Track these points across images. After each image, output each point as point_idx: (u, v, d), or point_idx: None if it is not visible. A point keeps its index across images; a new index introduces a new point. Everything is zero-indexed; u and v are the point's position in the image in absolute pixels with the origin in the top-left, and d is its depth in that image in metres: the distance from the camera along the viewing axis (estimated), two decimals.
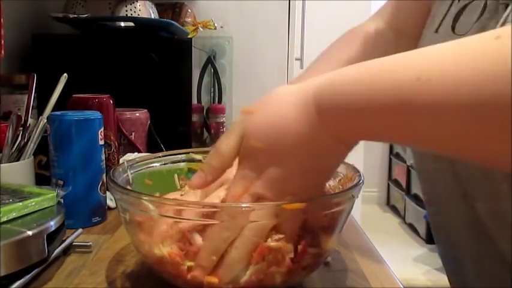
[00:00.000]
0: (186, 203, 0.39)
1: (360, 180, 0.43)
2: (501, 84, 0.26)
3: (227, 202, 0.39)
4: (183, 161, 0.55)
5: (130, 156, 0.76)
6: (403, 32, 0.64)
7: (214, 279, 0.37)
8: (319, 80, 0.37)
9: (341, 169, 0.48)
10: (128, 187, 0.45)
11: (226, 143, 0.40)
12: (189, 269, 0.38)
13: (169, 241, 0.39)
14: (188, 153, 0.55)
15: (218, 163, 0.41)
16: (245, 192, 0.38)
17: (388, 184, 3.39)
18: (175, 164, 0.54)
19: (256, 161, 0.38)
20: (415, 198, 2.72)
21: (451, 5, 0.49)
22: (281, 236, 0.38)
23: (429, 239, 2.45)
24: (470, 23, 0.46)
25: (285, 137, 0.37)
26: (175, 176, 0.54)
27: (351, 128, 0.36)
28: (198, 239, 0.39)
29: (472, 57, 0.28)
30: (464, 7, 0.47)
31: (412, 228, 2.71)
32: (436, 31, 0.51)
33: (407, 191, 2.88)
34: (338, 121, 0.35)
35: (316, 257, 0.41)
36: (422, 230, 2.54)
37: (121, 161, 0.73)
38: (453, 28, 0.48)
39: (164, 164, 0.53)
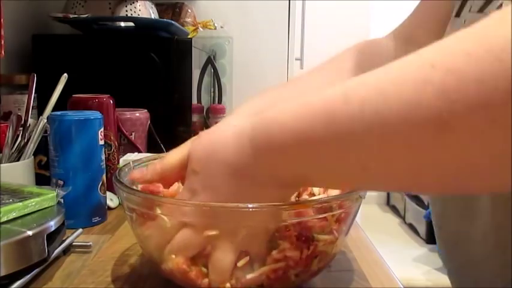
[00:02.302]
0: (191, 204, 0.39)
1: None
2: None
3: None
4: None
5: (130, 156, 0.76)
6: (413, 40, 0.64)
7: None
8: (256, 117, 0.36)
9: None
10: (134, 187, 0.45)
11: (173, 156, 0.42)
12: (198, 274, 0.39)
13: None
14: None
15: (159, 169, 0.43)
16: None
17: None
18: None
19: (192, 184, 0.39)
20: (415, 198, 2.71)
21: None
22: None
23: (429, 239, 2.45)
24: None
25: (220, 165, 0.37)
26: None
27: (286, 163, 0.34)
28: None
29: (401, 87, 0.27)
30: None
31: (412, 228, 2.71)
32: (457, 15, 0.51)
33: None
34: (270, 156, 0.34)
35: (323, 262, 0.41)
36: (422, 230, 2.54)
37: (121, 161, 0.73)
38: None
39: None
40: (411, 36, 0.64)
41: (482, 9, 0.48)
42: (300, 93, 0.41)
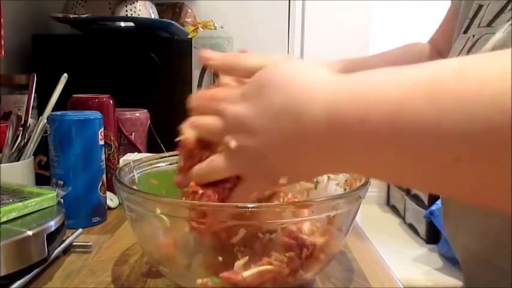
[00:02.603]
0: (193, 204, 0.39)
1: (366, 181, 0.43)
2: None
3: (208, 94, 0.40)
4: None
5: (130, 156, 0.76)
6: (441, 50, 0.70)
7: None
8: (343, 77, 0.33)
9: None
10: (134, 187, 0.45)
11: (253, 59, 0.39)
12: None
13: None
14: None
15: (233, 62, 0.40)
16: (220, 101, 0.38)
17: (388, 184, 3.38)
18: None
19: (249, 90, 0.36)
20: (415, 199, 2.71)
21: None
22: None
23: (429, 239, 2.45)
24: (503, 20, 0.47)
25: (290, 103, 0.33)
26: None
27: (344, 156, 0.32)
28: None
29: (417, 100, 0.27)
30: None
31: (412, 228, 2.71)
32: (465, 32, 0.54)
33: (408, 191, 2.88)
34: (342, 122, 0.31)
35: (322, 261, 0.41)
36: (422, 230, 2.54)
37: (121, 161, 0.73)
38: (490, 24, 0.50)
39: (170, 164, 0.53)
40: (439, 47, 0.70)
41: (490, 24, 0.49)
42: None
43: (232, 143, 0.35)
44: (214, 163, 0.37)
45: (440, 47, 0.70)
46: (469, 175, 0.27)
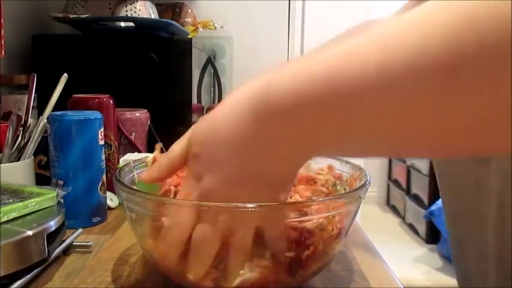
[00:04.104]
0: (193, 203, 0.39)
1: (366, 181, 0.43)
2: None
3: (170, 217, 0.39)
4: None
5: (130, 156, 0.76)
6: None
7: None
8: (254, 81, 0.34)
9: (347, 169, 0.47)
10: (134, 187, 0.45)
11: (176, 147, 0.41)
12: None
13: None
14: None
15: (166, 165, 0.42)
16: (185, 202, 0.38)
17: (388, 184, 3.39)
18: None
19: (195, 169, 0.37)
20: (415, 198, 2.71)
21: None
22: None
23: (429, 239, 2.45)
24: None
25: (220, 144, 0.35)
26: None
27: (290, 130, 0.32)
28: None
29: (405, 34, 0.26)
30: None
31: (412, 228, 2.71)
32: None
33: (407, 191, 2.88)
34: (274, 123, 0.32)
35: (322, 262, 0.41)
36: (422, 230, 2.54)
37: (121, 161, 0.73)
38: None
39: None
40: None
41: None
42: None
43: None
44: (240, 243, 0.37)
45: None
46: (385, 139, 0.29)
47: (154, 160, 0.47)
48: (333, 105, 0.29)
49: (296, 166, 0.36)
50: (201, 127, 0.37)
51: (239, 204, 0.36)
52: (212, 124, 0.36)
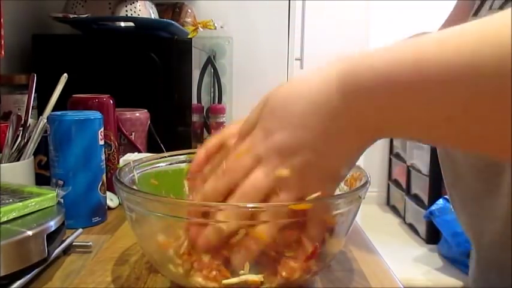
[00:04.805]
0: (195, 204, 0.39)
1: (366, 181, 0.43)
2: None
3: (228, 160, 0.39)
4: (189, 161, 0.55)
5: (130, 156, 0.76)
6: None
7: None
8: (341, 61, 0.35)
9: None
10: (134, 187, 0.45)
11: (254, 110, 0.40)
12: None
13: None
14: (193, 153, 0.55)
15: (245, 127, 0.40)
16: (248, 152, 0.38)
17: (388, 184, 3.38)
18: (181, 164, 0.54)
19: (269, 123, 0.37)
20: (415, 198, 2.71)
21: None
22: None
23: (429, 239, 2.45)
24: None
25: (302, 102, 0.35)
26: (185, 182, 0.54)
27: (371, 105, 0.33)
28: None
29: (501, 37, 0.27)
30: None
31: (412, 228, 2.71)
32: (475, 14, 0.51)
33: (407, 191, 2.88)
34: (356, 96, 0.33)
35: (323, 261, 0.41)
36: (422, 230, 2.54)
37: (121, 161, 0.73)
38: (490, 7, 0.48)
39: (170, 164, 0.53)
40: None
41: (502, 7, 0.47)
42: None
43: (284, 172, 0.36)
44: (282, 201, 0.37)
45: None
46: (461, 131, 0.30)
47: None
48: (417, 91, 0.30)
49: (364, 146, 0.37)
50: (282, 89, 0.38)
51: (240, 204, 0.36)
52: (297, 86, 0.37)
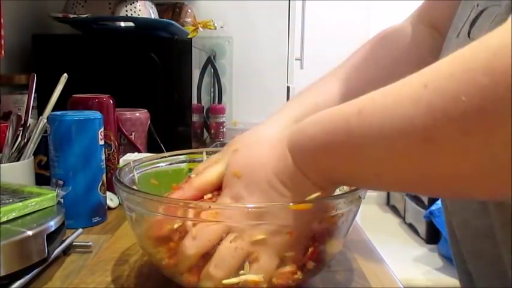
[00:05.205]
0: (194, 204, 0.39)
1: None
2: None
3: (199, 226, 0.39)
4: (189, 161, 0.55)
5: (130, 156, 0.76)
6: (438, 27, 0.62)
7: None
8: (290, 130, 0.40)
9: None
10: (134, 187, 0.45)
11: (211, 171, 0.43)
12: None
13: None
14: (193, 153, 0.56)
15: (198, 186, 0.43)
16: (216, 218, 0.38)
17: None
18: (181, 164, 0.54)
19: (235, 189, 0.40)
20: (415, 199, 2.71)
21: (471, 10, 0.49)
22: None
23: (429, 239, 2.45)
24: (484, 29, 0.45)
25: (261, 169, 0.39)
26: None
27: (317, 168, 0.38)
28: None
29: (399, 104, 0.31)
30: (481, 12, 0.47)
31: (412, 228, 2.71)
32: (457, 36, 0.51)
33: None
34: (304, 162, 0.38)
35: (322, 261, 0.41)
36: (422, 230, 2.54)
37: (121, 161, 0.73)
38: (469, 33, 0.48)
39: (170, 164, 0.53)
40: (431, 20, 0.63)
41: (470, 32, 0.48)
42: (340, 94, 0.54)
43: (260, 236, 0.37)
44: (263, 268, 0.38)
45: (434, 16, 0.62)
46: (390, 184, 0.37)
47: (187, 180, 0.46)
48: (348, 154, 0.35)
49: (326, 194, 0.40)
50: (241, 156, 0.43)
51: (239, 205, 0.36)
52: (251, 154, 0.42)
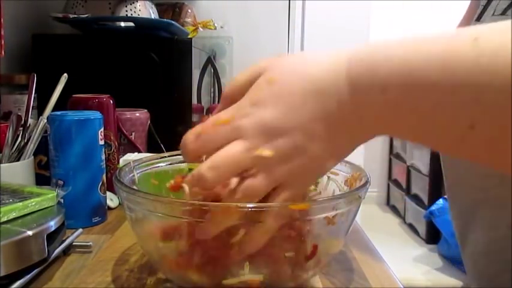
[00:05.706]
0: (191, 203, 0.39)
1: (366, 181, 0.43)
2: None
3: (205, 125, 0.36)
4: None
5: (130, 156, 0.76)
6: None
7: None
8: (356, 48, 0.32)
9: (347, 169, 0.47)
10: (134, 187, 0.45)
11: (241, 75, 0.37)
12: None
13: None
14: None
15: (228, 91, 0.38)
16: (229, 122, 0.34)
17: (388, 184, 3.39)
18: (181, 164, 0.54)
19: (261, 94, 0.34)
20: (415, 198, 2.71)
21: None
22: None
23: (429, 239, 2.45)
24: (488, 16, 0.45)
25: (305, 82, 0.32)
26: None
27: (380, 107, 0.30)
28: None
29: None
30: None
31: (412, 228, 2.71)
32: (478, 19, 0.50)
33: (407, 191, 2.88)
34: (367, 95, 0.30)
35: (323, 262, 0.41)
36: (422, 230, 2.54)
37: (121, 161, 0.73)
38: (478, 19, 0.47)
39: (170, 164, 0.53)
40: None
41: (505, 12, 0.47)
42: None
43: (266, 152, 0.32)
44: (253, 187, 0.33)
45: None
46: (484, 141, 0.26)
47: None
48: (441, 93, 0.27)
49: (358, 140, 0.34)
50: (289, 58, 0.35)
51: (239, 205, 0.36)
52: (301, 63, 0.34)
